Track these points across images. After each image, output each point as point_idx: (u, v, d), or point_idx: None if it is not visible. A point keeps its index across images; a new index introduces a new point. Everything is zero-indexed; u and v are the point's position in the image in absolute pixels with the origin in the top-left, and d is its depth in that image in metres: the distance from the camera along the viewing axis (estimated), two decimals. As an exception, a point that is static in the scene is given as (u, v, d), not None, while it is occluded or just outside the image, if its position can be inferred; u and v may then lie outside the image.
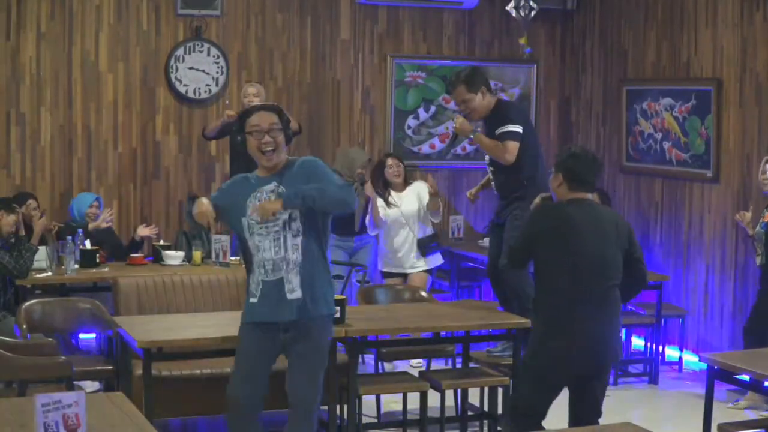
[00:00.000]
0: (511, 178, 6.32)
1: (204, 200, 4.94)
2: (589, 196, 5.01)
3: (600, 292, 4.87)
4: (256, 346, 4.89)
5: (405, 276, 8.08)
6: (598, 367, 4.98)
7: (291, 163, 4.91)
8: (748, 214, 7.29)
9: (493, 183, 6.50)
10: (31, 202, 7.70)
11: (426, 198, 8.01)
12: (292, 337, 4.84)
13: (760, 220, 7.13)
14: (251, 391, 4.90)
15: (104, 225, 7.93)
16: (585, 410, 5.01)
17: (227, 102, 8.93)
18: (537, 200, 5.32)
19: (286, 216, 4.79)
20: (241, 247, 5.06)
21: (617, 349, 5.04)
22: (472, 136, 6.33)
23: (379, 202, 8.06)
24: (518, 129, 6.18)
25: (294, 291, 4.79)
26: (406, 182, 8.20)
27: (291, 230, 4.81)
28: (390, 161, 8.20)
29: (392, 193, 8.12)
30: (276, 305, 4.81)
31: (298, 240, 4.80)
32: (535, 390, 4.96)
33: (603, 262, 4.88)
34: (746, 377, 5.17)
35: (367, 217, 8.09)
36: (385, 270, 8.18)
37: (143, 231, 8.12)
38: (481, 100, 6.23)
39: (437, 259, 8.19)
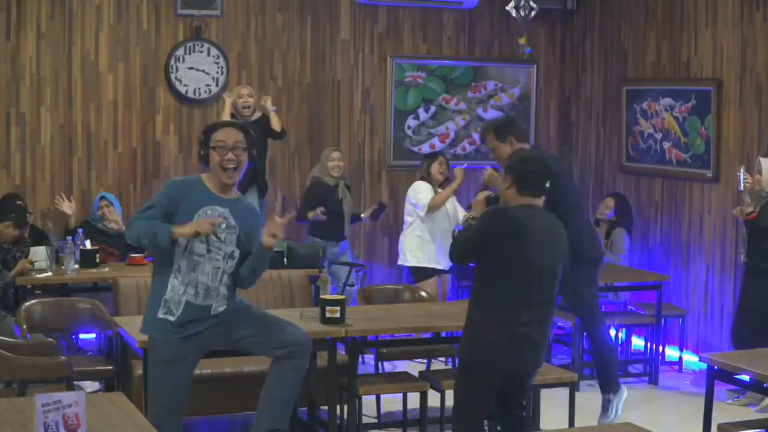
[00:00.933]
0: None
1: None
2: (539, 202, 4.90)
3: (544, 300, 4.84)
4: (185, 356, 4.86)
5: (439, 273, 8.19)
6: (526, 372, 4.94)
7: (239, 197, 4.91)
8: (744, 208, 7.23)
9: None
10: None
11: (456, 203, 8.32)
12: (227, 325, 4.88)
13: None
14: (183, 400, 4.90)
15: (115, 227, 7.96)
16: (512, 414, 5.02)
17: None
18: (481, 197, 5.32)
19: (230, 250, 4.78)
20: (160, 249, 4.74)
21: (543, 357, 5.01)
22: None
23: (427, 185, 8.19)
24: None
25: (216, 309, 4.84)
26: (444, 185, 8.35)
27: (228, 265, 4.80)
28: (441, 158, 8.36)
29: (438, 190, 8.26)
30: (200, 322, 4.81)
31: (230, 279, 4.84)
32: (475, 386, 4.88)
33: (552, 271, 4.85)
34: (746, 377, 5.17)
35: (429, 199, 8.09)
36: (425, 266, 8.16)
37: (65, 207, 8.13)
38: (508, 150, 6.10)
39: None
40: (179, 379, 4.83)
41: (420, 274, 8.12)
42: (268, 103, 8.48)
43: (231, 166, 4.78)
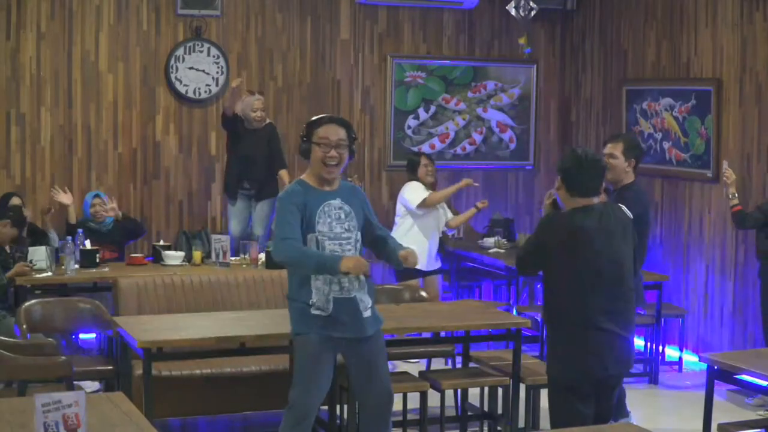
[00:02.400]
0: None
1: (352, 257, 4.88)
2: (595, 200, 4.79)
3: (620, 300, 4.75)
4: (327, 356, 4.97)
5: (423, 275, 8.08)
6: (617, 376, 4.85)
7: (343, 183, 5.07)
8: (731, 174, 7.26)
9: None
10: (15, 200, 7.75)
11: (445, 206, 8.18)
12: (361, 347, 4.99)
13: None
14: (319, 400, 5.03)
15: (112, 214, 7.97)
16: (601, 420, 4.83)
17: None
18: (548, 201, 5.09)
19: (355, 236, 4.95)
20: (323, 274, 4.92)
21: (631, 358, 4.91)
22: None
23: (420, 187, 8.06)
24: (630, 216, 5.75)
25: (367, 309, 4.96)
26: (433, 187, 8.18)
27: (357, 250, 4.97)
28: (425, 160, 8.14)
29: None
30: (352, 322, 4.91)
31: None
32: (570, 404, 4.75)
33: (620, 263, 4.76)
34: (746, 377, 5.17)
35: (415, 199, 7.95)
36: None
37: (62, 197, 8.11)
38: (624, 167, 6.13)
39: (439, 261, 8.24)
40: (326, 371, 4.98)
41: (401, 274, 7.99)
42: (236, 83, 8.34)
43: (333, 163, 4.92)
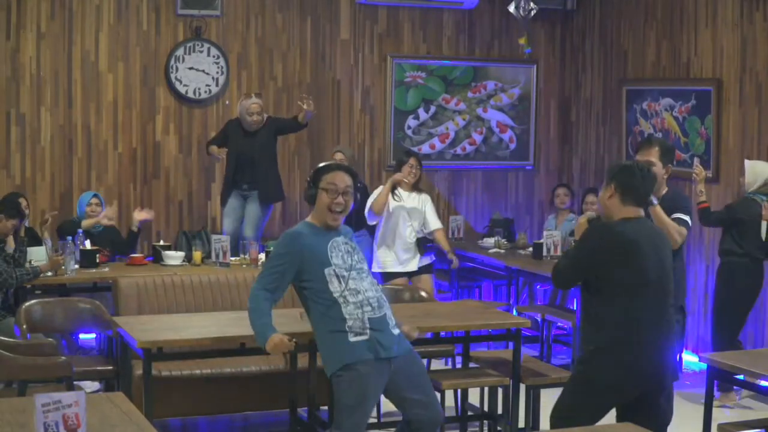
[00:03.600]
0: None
1: (276, 337, 4.94)
2: (642, 212, 4.81)
3: (664, 313, 4.76)
4: (377, 386, 4.93)
5: (408, 275, 8.06)
6: (656, 389, 4.82)
7: (342, 226, 5.12)
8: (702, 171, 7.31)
9: None
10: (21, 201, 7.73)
11: (430, 210, 8.09)
12: (408, 364, 5.00)
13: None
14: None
15: (105, 222, 7.91)
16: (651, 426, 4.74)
17: (227, 102, 8.93)
18: (582, 220, 5.07)
19: (365, 264, 5.06)
20: (312, 296, 4.96)
21: (676, 368, 4.95)
22: (653, 202, 5.43)
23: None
24: (689, 221, 5.62)
25: (394, 327, 4.98)
26: (416, 187, 8.10)
27: (372, 282, 5.07)
28: (412, 161, 8.07)
29: (399, 188, 8.03)
30: (388, 341, 4.90)
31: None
32: (591, 406, 4.76)
33: (666, 281, 4.77)
34: (746, 377, 5.16)
35: (368, 204, 7.98)
36: (388, 271, 8.09)
37: (140, 215, 8.05)
38: (662, 174, 5.66)
39: (430, 258, 8.21)
40: (374, 403, 5.05)
41: (385, 278, 8.03)
42: (311, 106, 8.34)
43: (338, 209, 4.97)
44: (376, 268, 8.07)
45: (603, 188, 4.83)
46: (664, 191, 5.63)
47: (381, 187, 8.04)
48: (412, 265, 8.05)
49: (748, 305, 7.28)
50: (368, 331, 4.86)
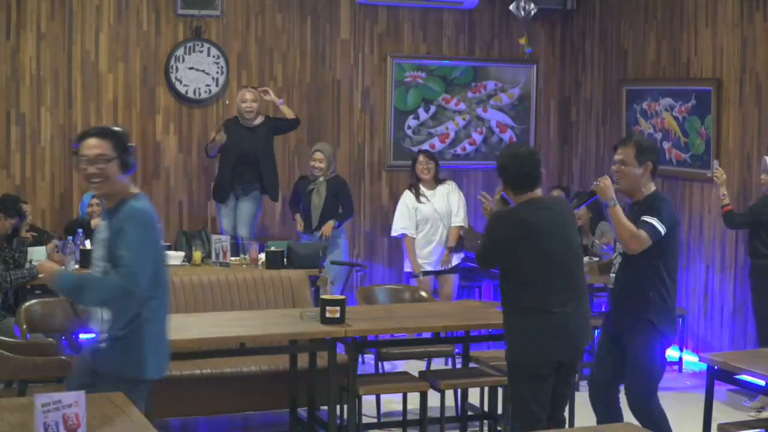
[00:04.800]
0: (637, 285, 5.35)
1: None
2: (538, 192, 5.03)
3: (573, 284, 5.01)
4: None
5: (436, 274, 8.23)
6: (577, 355, 5.25)
7: (125, 201, 4.33)
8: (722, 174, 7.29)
9: (612, 279, 5.49)
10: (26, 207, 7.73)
11: (454, 200, 8.30)
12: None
13: None
14: None
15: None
16: (559, 399, 5.12)
17: (227, 102, 8.93)
18: (497, 197, 5.35)
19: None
20: None
21: (590, 334, 5.39)
22: (609, 203, 5.36)
23: (409, 198, 8.27)
24: (662, 230, 5.24)
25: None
26: (437, 181, 8.34)
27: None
28: (421, 158, 8.33)
29: (422, 188, 8.24)
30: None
31: None
32: (534, 387, 4.98)
33: (571, 257, 5.03)
34: (746, 377, 5.16)
35: (397, 222, 8.32)
36: (424, 270, 8.23)
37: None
38: (638, 174, 5.31)
39: (459, 257, 8.37)
40: None
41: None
42: (273, 97, 8.50)
43: (95, 180, 4.31)
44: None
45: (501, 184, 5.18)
46: (646, 191, 5.33)
47: (405, 196, 8.30)
48: (430, 266, 8.24)
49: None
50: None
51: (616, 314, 5.39)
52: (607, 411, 5.38)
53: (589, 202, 5.71)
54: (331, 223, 8.13)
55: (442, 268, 8.28)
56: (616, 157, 5.39)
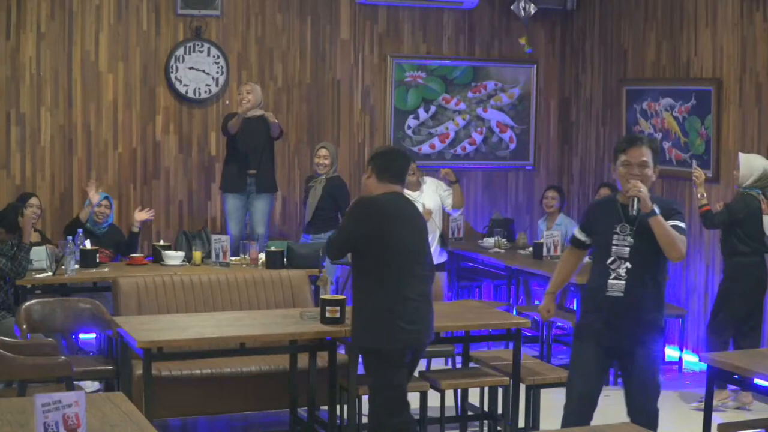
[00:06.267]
0: (654, 290, 5.03)
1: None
2: (399, 188, 5.29)
3: (418, 277, 5.20)
4: None
5: None
6: (421, 347, 5.34)
7: None
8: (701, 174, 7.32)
9: (616, 286, 5.01)
10: (34, 200, 7.73)
11: (444, 194, 8.02)
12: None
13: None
14: None
15: (92, 195, 7.97)
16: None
17: (227, 102, 8.93)
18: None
19: None
20: None
21: (433, 330, 5.39)
22: (655, 211, 4.86)
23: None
24: (685, 228, 5.02)
25: None
26: (419, 184, 8.15)
27: None
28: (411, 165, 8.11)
29: (407, 192, 8.03)
30: None
31: None
32: (397, 372, 5.22)
33: (422, 250, 5.27)
34: (746, 377, 5.16)
35: None
36: None
37: (140, 215, 8.08)
38: (652, 175, 4.97)
39: (444, 256, 8.25)
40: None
41: None
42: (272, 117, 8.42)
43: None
44: None
45: (365, 171, 5.41)
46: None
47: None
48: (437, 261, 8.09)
49: (759, 302, 7.20)
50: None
51: (627, 324, 4.95)
52: (583, 423, 4.99)
53: (637, 211, 4.89)
54: None
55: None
56: (640, 158, 4.92)
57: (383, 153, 5.41)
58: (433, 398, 6.19)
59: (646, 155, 4.93)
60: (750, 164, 7.13)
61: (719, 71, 8.25)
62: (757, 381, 5.14)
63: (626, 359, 5.04)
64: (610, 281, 4.95)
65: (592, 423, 5.07)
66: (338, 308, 5.65)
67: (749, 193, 7.10)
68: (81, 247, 7.35)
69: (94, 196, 8.05)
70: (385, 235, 5.14)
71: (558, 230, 8.48)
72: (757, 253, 7.12)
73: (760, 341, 7.29)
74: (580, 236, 5.26)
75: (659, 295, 5.04)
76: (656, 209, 4.84)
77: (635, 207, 4.83)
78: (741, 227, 7.11)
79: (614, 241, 4.95)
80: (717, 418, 5.39)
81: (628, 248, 4.92)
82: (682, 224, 4.93)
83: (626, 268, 4.93)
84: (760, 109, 7.90)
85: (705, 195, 7.27)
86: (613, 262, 4.96)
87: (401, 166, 5.32)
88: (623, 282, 4.93)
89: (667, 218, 4.88)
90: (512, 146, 9.94)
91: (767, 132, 7.86)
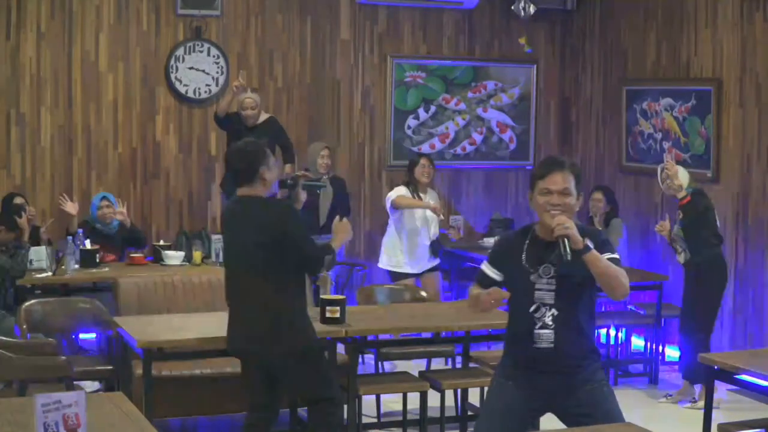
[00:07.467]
0: (581, 329, 4.25)
1: None
2: (255, 191, 5.02)
3: (245, 283, 5.06)
4: None
5: (417, 276, 8.11)
6: (259, 357, 5.14)
7: None
8: (666, 224, 7.35)
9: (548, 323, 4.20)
10: (27, 208, 7.70)
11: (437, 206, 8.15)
12: None
13: (676, 221, 7.23)
14: None
15: (120, 217, 7.89)
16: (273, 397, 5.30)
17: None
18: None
19: None
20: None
21: (282, 340, 5.01)
22: (589, 247, 4.07)
23: (405, 191, 8.09)
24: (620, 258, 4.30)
25: None
26: (431, 186, 8.28)
27: None
28: (424, 161, 8.15)
29: (419, 192, 8.13)
30: None
31: None
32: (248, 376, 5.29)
33: (245, 254, 5.04)
34: (746, 377, 5.17)
35: (393, 197, 8.05)
36: (399, 270, 8.10)
37: (69, 207, 7.95)
38: (575, 205, 4.17)
39: (438, 259, 8.24)
40: None
41: (394, 277, 8.08)
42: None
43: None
44: (384, 266, 8.13)
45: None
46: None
47: (402, 187, 8.09)
48: (422, 266, 8.10)
49: (719, 300, 7.26)
50: None
51: (564, 378, 4.20)
52: None
53: (565, 252, 4.05)
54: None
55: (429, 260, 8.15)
56: (562, 186, 4.12)
57: (231, 154, 5.32)
58: (433, 398, 6.19)
59: (569, 182, 4.12)
60: (682, 171, 7.22)
61: (719, 71, 8.25)
62: (758, 381, 5.14)
63: (573, 408, 4.24)
64: (536, 331, 4.14)
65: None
66: (338, 308, 5.65)
67: (695, 191, 7.13)
68: (81, 247, 7.35)
69: (72, 207, 7.98)
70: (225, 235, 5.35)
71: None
72: (721, 243, 7.22)
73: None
74: (491, 273, 4.28)
75: (591, 337, 4.26)
76: (589, 243, 4.05)
77: (567, 250, 4.00)
78: (708, 219, 7.15)
79: (537, 286, 4.14)
80: (717, 418, 5.39)
81: (552, 293, 4.12)
82: (616, 255, 4.18)
83: (552, 315, 4.13)
84: (760, 109, 7.89)
85: (683, 187, 7.17)
86: (537, 310, 4.15)
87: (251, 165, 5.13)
88: (551, 331, 4.13)
89: (603, 250, 4.12)
90: (512, 146, 9.94)
91: (767, 132, 7.86)
